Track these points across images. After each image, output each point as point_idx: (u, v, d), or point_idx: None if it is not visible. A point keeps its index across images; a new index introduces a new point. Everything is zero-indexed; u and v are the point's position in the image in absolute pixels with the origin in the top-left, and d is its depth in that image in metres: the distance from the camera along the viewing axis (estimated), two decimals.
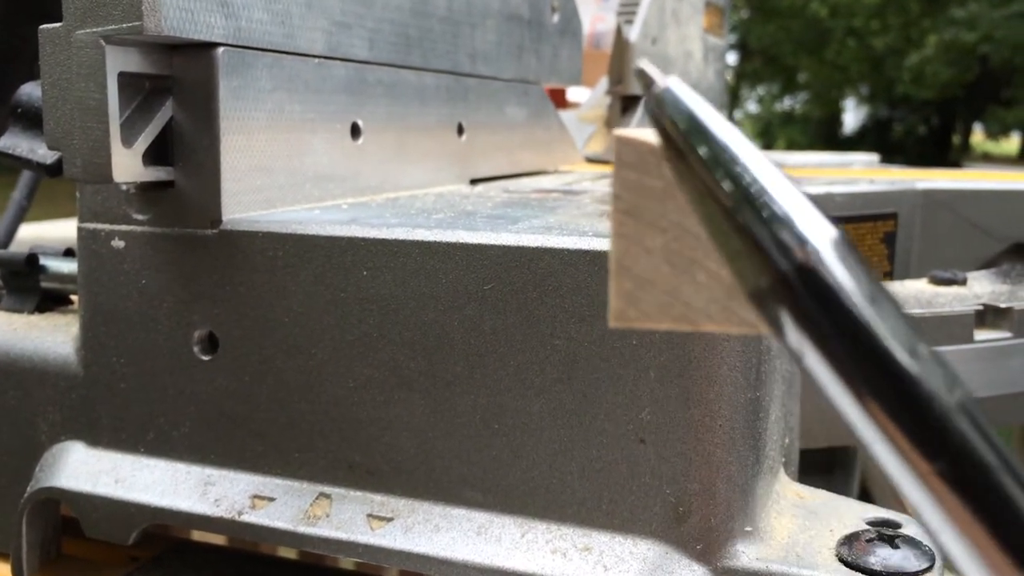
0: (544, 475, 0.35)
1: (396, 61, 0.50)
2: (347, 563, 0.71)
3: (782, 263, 0.16)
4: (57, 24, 0.36)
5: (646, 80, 0.18)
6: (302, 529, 0.37)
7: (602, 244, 0.33)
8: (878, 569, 0.31)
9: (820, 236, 0.16)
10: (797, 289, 0.16)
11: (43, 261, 0.47)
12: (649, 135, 0.18)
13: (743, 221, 0.16)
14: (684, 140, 0.17)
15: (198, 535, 0.48)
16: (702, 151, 0.17)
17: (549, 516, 0.35)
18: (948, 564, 0.32)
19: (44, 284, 0.48)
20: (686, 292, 0.17)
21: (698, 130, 0.17)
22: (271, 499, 0.38)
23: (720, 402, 0.33)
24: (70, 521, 0.44)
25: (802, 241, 0.16)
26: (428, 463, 0.36)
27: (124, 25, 0.34)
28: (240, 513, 0.38)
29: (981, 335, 0.48)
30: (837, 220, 0.17)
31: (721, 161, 0.17)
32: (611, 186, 0.17)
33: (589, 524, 0.34)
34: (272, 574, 0.46)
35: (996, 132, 13.11)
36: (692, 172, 0.17)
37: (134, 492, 0.40)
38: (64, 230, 1.03)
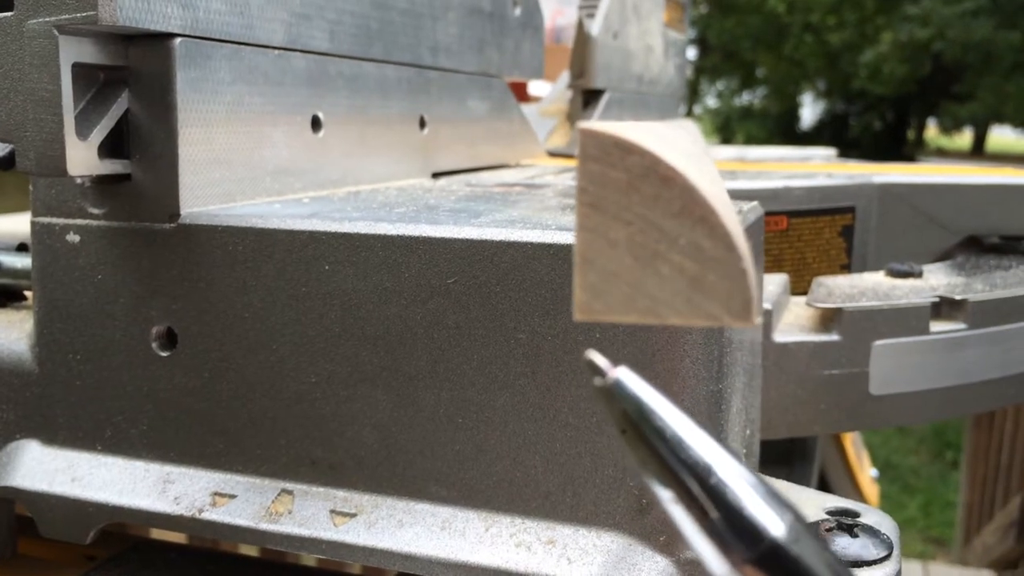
0: (508, 469, 0.35)
1: (357, 53, 0.50)
2: (309, 560, 0.71)
3: (744, 553, 0.18)
4: (8, 13, 0.35)
5: (595, 370, 0.19)
6: (264, 526, 0.37)
7: (565, 238, 0.33)
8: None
9: (774, 524, 0.18)
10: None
11: None
12: (614, 127, 0.18)
13: (701, 511, 0.18)
14: (637, 428, 0.19)
15: (157, 533, 0.47)
16: (654, 440, 0.18)
17: (513, 510, 0.35)
18: (906, 552, 0.32)
19: None
20: (650, 285, 0.17)
21: (648, 420, 0.19)
22: (232, 496, 0.38)
23: (682, 394, 0.33)
24: (26, 520, 0.43)
25: (756, 532, 0.18)
26: (391, 458, 0.36)
27: (78, 15, 0.34)
28: (200, 511, 0.38)
29: (937, 327, 0.49)
30: (784, 505, 0.18)
31: (673, 449, 0.18)
32: (576, 179, 0.17)
33: (553, 517, 0.34)
34: (234, 572, 0.46)
35: (949, 127, 13.34)
36: (649, 456, 0.19)
37: (91, 491, 0.39)
38: (16, 224, 1.01)
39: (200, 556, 0.48)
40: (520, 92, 1.61)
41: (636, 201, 0.17)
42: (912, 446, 3.98)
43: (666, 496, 0.19)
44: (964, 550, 2.53)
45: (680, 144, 0.20)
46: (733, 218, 0.18)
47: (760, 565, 0.18)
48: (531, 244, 0.34)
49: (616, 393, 0.19)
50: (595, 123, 0.18)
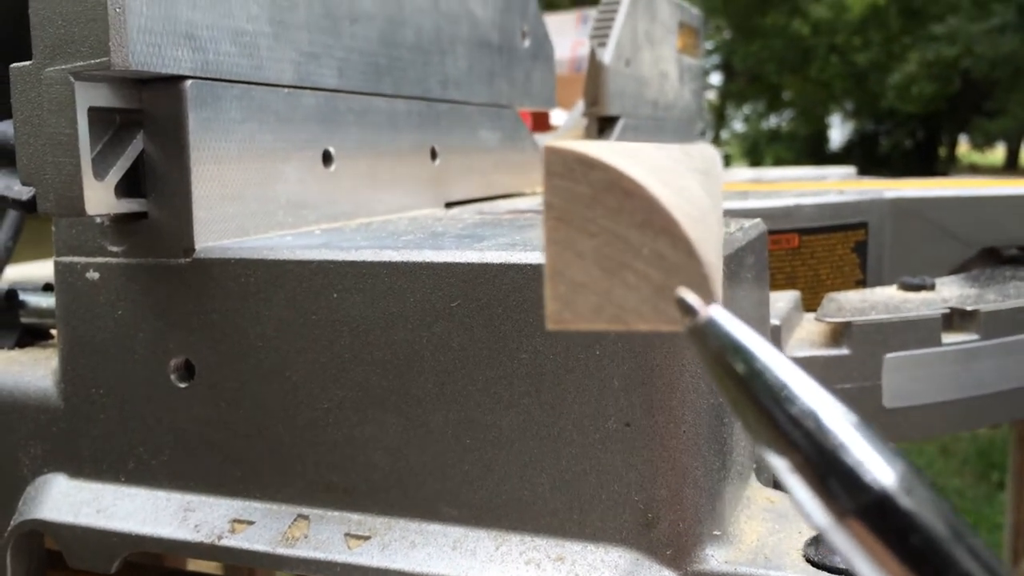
0: (516, 487, 0.35)
1: (367, 89, 0.51)
2: None
3: (846, 503, 0.16)
4: (27, 62, 0.36)
5: (686, 308, 0.18)
6: (281, 551, 0.37)
7: None
8: (843, 567, 0.32)
9: (883, 473, 0.16)
10: (863, 530, 0.16)
11: (22, 296, 0.48)
12: (577, 145, 0.18)
13: (803, 456, 0.17)
14: (732, 372, 0.17)
15: (181, 561, 0.48)
16: (751, 384, 0.17)
17: (522, 528, 0.35)
18: None
19: (24, 319, 0.48)
20: (617, 293, 0.18)
21: (745, 362, 0.17)
22: (250, 522, 0.39)
23: (683, 409, 0.33)
24: (54, 553, 0.44)
25: (862, 481, 0.16)
26: (403, 480, 0.37)
27: (92, 61, 0.35)
28: (220, 537, 0.39)
29: (948, 338, 0.49)
30: (897, 452, 0.17)
31: (771, 393, 0.17)
32: (543, 194, 0.18)
33: (561, 534, 0.35)
34: None
35: (981, 143, 13.20)
36: (745, 400, 0.17)
37: (115, 521, 0.41)
38: (45, 270, 1.03)
39: None
40: (542, 121, 1.62)
41: (600, 214, 0.18)
42: (956, 467, 3.91)
43: (763, 443, 0.17)
44: (1013, 572, 2.47)
45: (648, 159, 0.20)
46: (696, 226, 0.19)
47: (866, 518, 0.16)
48: (530, 266, 0.34)
49: (709, 333, 0.17)
50: (558, 141, 0.19)
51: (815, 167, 1.11)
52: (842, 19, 11.00)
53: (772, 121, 14.08)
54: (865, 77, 11.27)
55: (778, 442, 0.17)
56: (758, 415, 0.17)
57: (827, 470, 0.16)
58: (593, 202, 0.18)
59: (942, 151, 13.56)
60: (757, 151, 13.39)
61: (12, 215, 0.83)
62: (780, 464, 0.17)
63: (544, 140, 0.87)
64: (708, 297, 0.18)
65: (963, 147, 14.81)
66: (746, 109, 14.20)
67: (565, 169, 0.18)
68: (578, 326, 0.18)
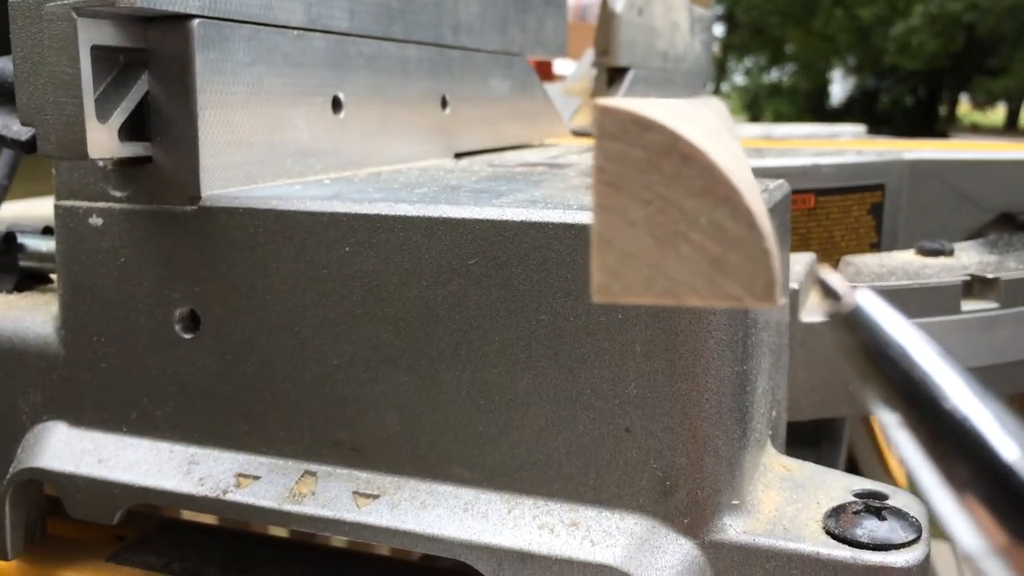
0: (531, 451, 0.35)
1: (378, 33, 0.49)
2: (336, 540, 0.71)
3: (1009, 525, 0.15)
4: None
5: (830, 292, 0.17)
6: (288, 507, 0.37)
7: (586, 218, 0.33)
8: (865, 541, 0.31)
9: None
10: None
11: (21, 239, 0.47)
12: (632, 104, 0.17)
13: (967, 471, 0.15)
14: (882, 367, 0.16)
15: (188, 514, 0.48)
16: (907, 386, 0.16)
17: (536, 492, 0.35)
18: (935, 534, 0.32)
19: (22, 263, 0.47)
20: (670, 265, 0.17)
21: (900, 360, 0.16)
22: (256, 477, 0.38)
23: (707, 376, 0.32)
24: (55, 501, 0.44)
25: None
26: (414, 440, 0.36)
27: None
28: (225, 492, 0.38)
29: (968, 305, 0.48)
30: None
31: (933, 400, 0.16)
32: (593, 157, 0.17)
33: (576, 499, 0.34)
34: (258, 551, 0.46)
35: (982, 102, 13.12)
36: (898, 400, 0.16)
37: (117, 472, 0.40)
38: (46, 208, 1.02)
39: (225, 535, 0.48)
40: (545, 71, 1.59)
41: (656, 180, 0.17)
42: None
43: (907, 442, 0.16)
44: None
45: (702, 121, 0.19)
46: (756, 197, 0.17)
47: None
48: (552, 224, 0.33)
49: (855, 321, 0.16)
50: (613, 99, 0.17)
51: (825, 124, 1.09)
52: None
53: (773, 75, 13.95)
54: (869, 32, 11.14)
55: (935, 450, 0.16)
56: (913, 419, 0.16)
57: (998, 491, 0.15)
58: (648, 167, 0.17)
59: (942, 109, 13.47)
60: (757, 105, 13.30)
61: (8, 153, 0.81)
62: (931, 475, 0.16)
63: (552, 90, 0.85)
64: (766, 273, 0.17)
65: (963, 106, 14.72)
66: (747, 62, 14.06)
67: (619, 130, 0.17)
68: (627, 299, 0.17)
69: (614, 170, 0.17)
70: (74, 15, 0.34)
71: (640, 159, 0.17)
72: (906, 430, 0.16)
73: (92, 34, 0.35)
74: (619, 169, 0.17)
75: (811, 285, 0.51)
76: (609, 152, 0.17)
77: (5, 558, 0.43)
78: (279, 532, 0.64)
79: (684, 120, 0.17)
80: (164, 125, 0.38)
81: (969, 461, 0.15)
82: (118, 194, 0.39)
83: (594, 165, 0.17)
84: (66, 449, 0.41)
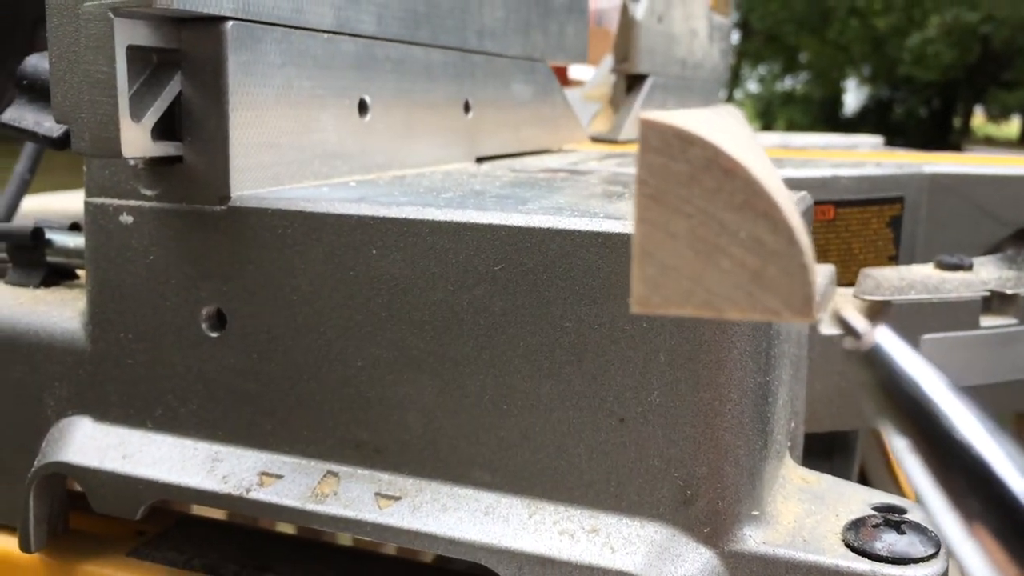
0: (552, 456, 0.35)
1: (404, 37, 0.50)
2: (345, 539, 0.72)
3: None
4: None
5: (849, 330, 0.17)
6: (310, 507, 0.37)
7: (613, 226, 0.33)
8: (884, 554, 0.32)
9: None
10: None
11: (49, 235, 0.47)
12: (675, 118, 0.17)
13: (982, 509, 0.16)
14: (900, 405, 0.16)
15: (205, 511, 0.48)
16: (925, 424, 0.16)
17: (557, 497, 0.35)
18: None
19: (50, 258, 0.47)
20: (710, 278, 0.17)
21: (918, 400, 0.16)
22: (279, 476, 0.38)
23: (730, 386, 0.33)
24: (77, 496, 0.44)
25: None
26: (436, 443, 0.37)
27: None
28: (248, 490, 0.38)
29: (987, 321, 0.48)
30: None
31: (951, 440, 0.16)
32: (636, 170, 0.17)
33: (597, 506, 0.34)
34: (277, 549, 0.47)
35: (997, 115, 13.06)
36: (917, 437, 0.16)
37: (141, 468, 0.40)
38: (65, 203, 1.03)
39: (245, 533, 0.48)
40: (561, 76, 1.60)
41: (697, 194, 0.17)
42: None
43: (919, 471, 0.16)
44: None
45: (738, 135, 0.19)
46: (795, 212, 0.18)
47: None
48: (579, 232, 0.33)
49: (874, 359, 0.16)
50: (656, 113, 0.18)
51: (842, 135, 1.09)
52: None
53: (787, 83, 13.93)
54: (884, 42, 11.11)
55: (946, 480, 0.16)
56: (926, 450, 0.16)
57: (1008, 523, 0.15)
58: (690, 181, 0.17)
59: (956, 121, 13.43)
60: (770, 113, 13.28)
61: (30, 148, 0.82)
62: (949, 513, 0.16)
63: (570, 96, 0.86)
64: (804, 287, 0.17)
65: (978, 118, 14.66)
66: (761, 69, 14.04)
67: (662, 144, 0.17)
68: (666, 311, 0.17)
69: (656, 183, 0.17)
70: (111, 15, 0.34)
71: (682, 173, 0.17)
72: (919, 458, 0.16)
73: (128, 34, 0.35)
74: (661, 182, 0.17)
75: (830, 297, 0.51)
76: (652, 166, 0.17)
77: (28, 551, 0.43)
78: (291, 529, 0.64)
79: (724, 134, 0.18)
80: (195, 125, 0.38)
81: (980, 492, 0.16)
82: (148, 193, 0.39)
83: (637, 178, 0.17)
84: (91, 444, 0.42)
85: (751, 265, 0.17)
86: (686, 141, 0.17)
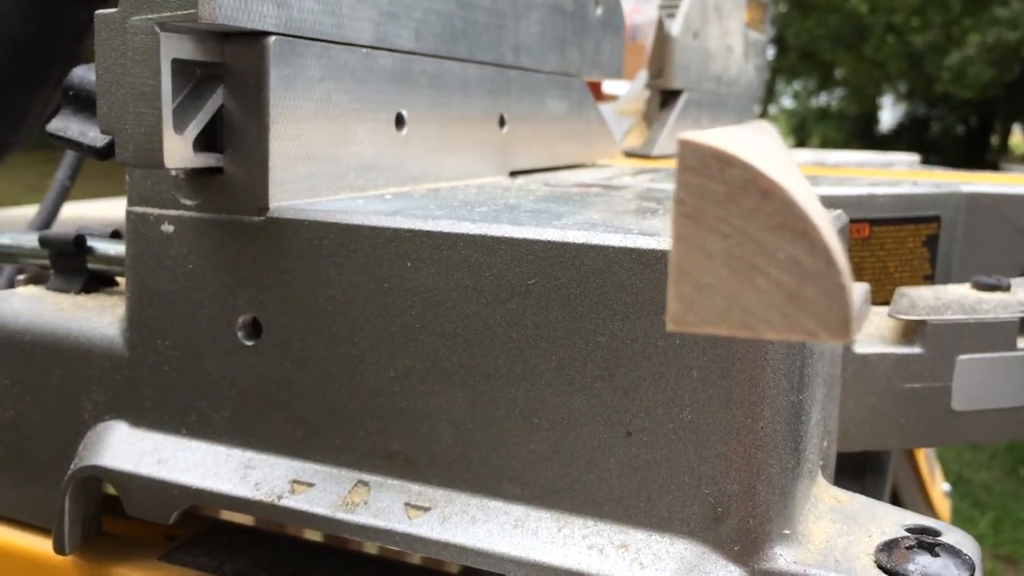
0: (582, 471, 0.35)
1: (441, 52, 0.50)
2: (372, 547, 0.72)
3: None
4: (113, 9, 0.36)
5: None
6: (340, 515, 0.37)
7: (647, 243, 0.33)
8: None
9: None
10: None
11: (90, 242, 0.48)
12: (713, 138, 0.18)
13: None
14: None
15: (234, 517, 0.49)
16: None
17: (586, 512, 0.35)
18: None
19: (91, 265, 0.48)
20: (746, 298, 0.17)
21: None
22: (310, 484, 0.39)
23: (762, 404, 0.32)
24: (110, 499, 0.45)
25: None
26: (466, 454, 0.37)
27: (179, 12, 0.35)
28: (279, 497, 0.39)
29: (1023, 342, 0.47)
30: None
31: None
32: (674, 190, 0.17)
33: (626, 521, 0.34)
34: (305, 556, 0.47)
35: None
36: None
37: (176, 473, 0.41)
38: (102, 210, 1.04)
39: (274, 540, 0.49)
40: (595, 90, 1.60)
41: (734, 213, 0.17)
42: (984, 461, 3.86)
43: None
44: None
45: (775, 155, 0.19)
46: (832, 233, 0.18)
47: None
48: (613, 248, 0.34)
49: None
50: (694, 133, 0.18)
51: (879, 153, 1.08)
52: None
53: (822, 99, 13.83)
54: (921, 59, 11.00)
55: None
56: None
57: None
58: (728, 200, 0.17)
59: (994, 139, 13.25)
60: (804, 129, 13.18)
61: (71, 156, 0.83)
62: None
63: (604, 110, 0.86)
64: (842, 308, 0.17)
65: (1016, 136, 14.46)
66: (796, 85, 13.96)
67: (700, 164, 0.17)
68: (702, 329, 0.18)
69: (694, 203, 0.18)
70: (157, 29, 0.35)
71: (720, 193, 0.17)
72: None
73: (173, 48, 0.36)
74: (699, 202, 0.18)
75: (864, 316, 0.51)
76: (689, 186, 0.18)
77: (63, 552, 0.44)
78: (318, 536, 0.64)
79: (762, 155, 0.18)
80: (236, 137, 0.39)
81: None
82: (189, 202, 0.40)
83: (675, 197, 0.18)
84: (126, 448, 0.42)
85: (788, 285, 0.17)
86: (724, 162, 0.17)
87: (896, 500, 1.08)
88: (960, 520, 3.06)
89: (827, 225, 0.18)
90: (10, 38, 0.79)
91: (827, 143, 11.88)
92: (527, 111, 0.61)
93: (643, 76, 0.97)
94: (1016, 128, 13.75)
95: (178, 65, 0.36)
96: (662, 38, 0.88)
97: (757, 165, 0.17)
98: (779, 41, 12.81)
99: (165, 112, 0.36)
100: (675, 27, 0.88)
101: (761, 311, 0.17)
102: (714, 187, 0.17)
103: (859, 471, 0.68)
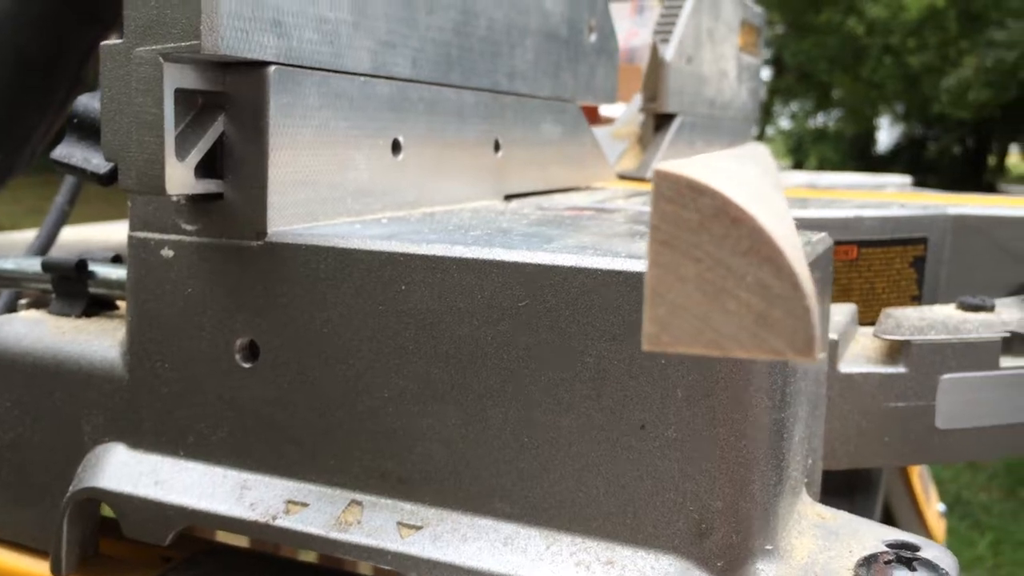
0: (570, 489, 0.36)
1: (437, 79, 0.51)
2: (366, 568, 0.72)
3: None
4: (118, 41, 0.37)
5: None
6: (334, 535, 0.38)
7: (634, 265, 0.34)
8: None
9: None
10: None
11: (91, 267, 0.49)
12: (687, 169, 0.19)
13: None
14: None
15: (230, 538, 0.49)
16: None
17: (574, 529, 0.36)
18: None
19: (92, 289, 0.49)
20: (717, 319, 0.18)
21: None
22: (304, 504, 0.40)
23: (745, 422, 0.33)
24: (107, 521, 0.45)
25: None
26: (458, 473, 0.38)
27: (183, 44, 0.36)
28: (274, 518, 0.39)
29: (1007, 362, 0.48)
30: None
31: None
32: (650, 217, 0.19)
33: (613, 538, 0.35)
34: None
35: None
36: None
37: (173, 494, 0.41)
38: (100, 233, 1.05)
39: (268, 561, 0.49)
40: (592, 114, 1.62)
41: (706, 240, 0.18)
42: (983, 482, 3.86)
43: None
44: None
45: (751, 182, 0.21)
46: (800, 257, 0.19)
47: None
48: (601, 271, 0.35)
49: None
50: (670, 163, 0.19)
51: (871, 175, 1.10)
52: (899, 19, 10.80)
53: (819, 120, 13.90)
54: (918, 80, 11.07)
55: None
56: None
57: None
58: (700, 228, 0.18)
59: (991, 160, 13.31)
60: (801, 150, 13.24)
61: (69, 179, 0.84)
62: None
63: (600, 133, 0.87)
64: (806, 330, 0.18)
65: (1013, 157, 14.53)
66: (793, 106, 14.03)
67: (675, 194, 0.18)
68: (675, 349, 0.19)
69: (668, 230, 0.19)
70: (161, 60, 0.36)
71: (693, 221, 0.18)
72: None
73: (176, 78, 0.37)
74: (673, 229, 0.19)
75: (851, 336, 0.52)
76: (665, 213, 0.19)
77: (59, 574, 0.44)
78: (311, 558, 0.65)
79: (735, 183, 0.19)
80: (236, 164, 0.40)
81: None
82: (189, 228, 0.41)
83: (651, 224, 0.19)
84: (125, 470, 0.43)
85: (756, 307, 0.18)
86: (696, 191, 0.18)
87: (890, 520, 1.09)
88: (959, 541, 3.06)
89: (794, 250, 0.19)
90: (19, 52, 0.80)
91: (824, 164, 11.93)
92: (522, 136, 0.62)
93: (638, 99, 0.99)
94: (1013, 148, 13.81)
95: (180, 94, 0.38)
96: (655, 63, 0.90)
97: (727, 194, 0.18)
98: (776, 62, 12.90)
99: (167, 140, 0.37)
100: (669, 52, 0.89)
101: (731, 331, 0.18)
102: (687, 215, 0.18)
103: (849, 490, 0.68)
